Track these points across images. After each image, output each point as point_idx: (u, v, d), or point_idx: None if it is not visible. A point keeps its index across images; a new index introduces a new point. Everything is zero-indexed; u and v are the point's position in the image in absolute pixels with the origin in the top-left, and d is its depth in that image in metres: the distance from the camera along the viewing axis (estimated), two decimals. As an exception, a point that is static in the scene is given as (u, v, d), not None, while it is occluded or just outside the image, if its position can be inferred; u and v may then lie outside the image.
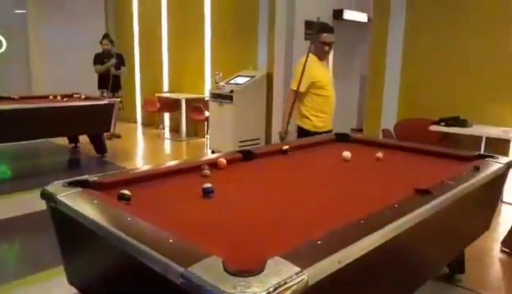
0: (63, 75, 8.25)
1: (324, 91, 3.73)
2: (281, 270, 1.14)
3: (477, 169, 2.38)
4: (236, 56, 7.10)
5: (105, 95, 7.27)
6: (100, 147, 6.23)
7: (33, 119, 5.27)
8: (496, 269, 3.21)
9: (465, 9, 4.60)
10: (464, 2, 4.64)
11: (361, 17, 7.69)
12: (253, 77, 6.43)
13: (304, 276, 1.13)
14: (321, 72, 3.76)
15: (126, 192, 1.81)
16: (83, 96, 6.35)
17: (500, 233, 3.82)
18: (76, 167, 6.15)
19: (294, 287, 1.10)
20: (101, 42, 7.52)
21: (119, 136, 7.55)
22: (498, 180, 2.57)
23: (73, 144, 6.84)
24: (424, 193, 1.86)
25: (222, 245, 1.34)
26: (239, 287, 1.06)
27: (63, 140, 6.80)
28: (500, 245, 3.39)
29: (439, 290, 2.74)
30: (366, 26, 7.53)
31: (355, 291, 1.45)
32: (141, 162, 6.27)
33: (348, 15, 7.36)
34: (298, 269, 1.15)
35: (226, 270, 1.13)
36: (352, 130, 7.29)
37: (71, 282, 1.92)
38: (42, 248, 3.12)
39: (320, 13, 6.21)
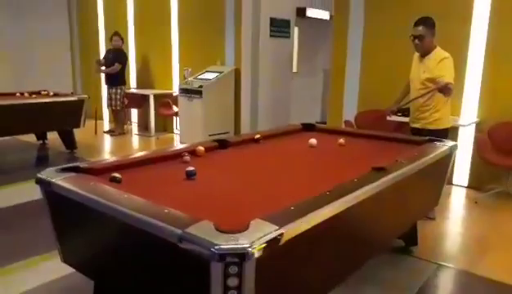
0: (26, 73, 8.19)
1: (411, 86, 3.83)
2: (263, 228, 1.39)
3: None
4: (204, 52, 7.27)
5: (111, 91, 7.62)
6: (69, 143, 6.28)
7: (2, 117, 5.27)
8: (446, 240, 3.60)
9: (419, 4, 4.95)
10: None
11: (324, 15, 8.04)
12: (221, 72, 6.63)
13: (281, 231, 1.38)
14: (413, 66, 3.81)
15: (117, 175, 2.00)
16: (51, 93, 6.36)
17: (451, 211, 4.24)
18: (46, 164, 6.15)
19: (274, 239, 1.35)
20: (110, 39, 7.67)
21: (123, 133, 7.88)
22: (444, 160, 2.93)
23: (41, 141, 6.82)
24: (380, 170, 2.15)
25: (211, 213, 1.57)
26: (230, 241, 1.30)
27: (30, 137, 6.77)
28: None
29: (395, 261, 3.08)
30: (328, 23, 7.89)
31: (322, 247, 1.72)
32: (120, 158, 6.33)
33: (311, 12, 7.70)
34: (276, 226, 1.40)
35: (217, 230, 1.37)
36: (317, 122, 7.61)
37: (66, 261, 2.09)
38: (15, 242, 3.24)
39: (284, 10, 6.53)
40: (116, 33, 7.65)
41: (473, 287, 2.88)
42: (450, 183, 4.89)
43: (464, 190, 4.83)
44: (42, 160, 6.34)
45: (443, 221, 3.89)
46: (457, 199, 4.66)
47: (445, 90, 3.39)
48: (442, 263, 3.07)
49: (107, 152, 6.90)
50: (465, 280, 2.95)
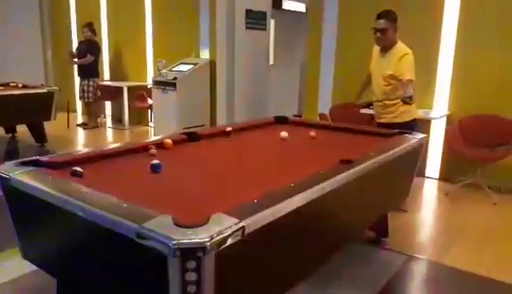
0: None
1: (373, 81, 3.76)
2: (223, 222, 1.36)
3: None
4: (178, 44, 7.17)
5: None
6: (39, 136, 6.12)
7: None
8: (416, 232, 3.65)
9: None
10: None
11: (300, 7, 8.00)
12: (196, 64, 6.55)
13: (242, 224, 1.36)
14: (373, 60, 3.75)
15: (78, 168, 1.94)
16: (20, 85, 6.17)
17: (422, 202, 4.31)
18: (15, 158, 5.92)
19: (234, 233, 1.32)
20: (82, 30, 7.55)
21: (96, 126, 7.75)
22: (414, 152, 2.96)
23: (10, 134, 6.63)
24: (347, 163, 2.15)
25: (173, 208, 1.53)
26: (188, 235, 1.26)
27: (-1, 131, 6.58)
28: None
29: (366, 252, 3.11)
30: (304, 16, 7.86)
31: (285, 241, 1.71)
32: (83, 151, 6.21)
33: (287, 4, 7.65)
34: (236, 220, 1.37)
35: (176, 224, 1.34)
36: (294, 116, 7.60)
37: (27, 258, 2.02)
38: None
39: (260, 2, 6.47)
40: (87, 24, 7.48)
41: (441, 277, 2.93)
42: (422, 175, 4.96)
43: (435, 182, 4.91)
44: (12, 154, 6.15)
45: (414, 213, 3.95)
46: (428, 191, 4.74)
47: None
48: (412, 254, 3.11)
49: (79, 145, 6.75)
50: (434, 271, 3.00)
